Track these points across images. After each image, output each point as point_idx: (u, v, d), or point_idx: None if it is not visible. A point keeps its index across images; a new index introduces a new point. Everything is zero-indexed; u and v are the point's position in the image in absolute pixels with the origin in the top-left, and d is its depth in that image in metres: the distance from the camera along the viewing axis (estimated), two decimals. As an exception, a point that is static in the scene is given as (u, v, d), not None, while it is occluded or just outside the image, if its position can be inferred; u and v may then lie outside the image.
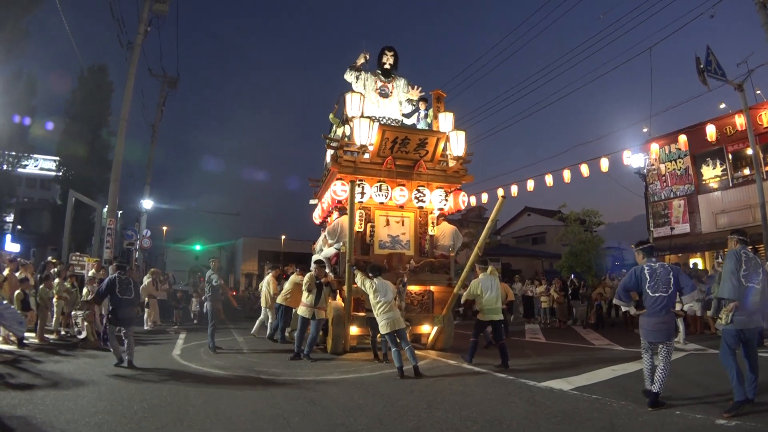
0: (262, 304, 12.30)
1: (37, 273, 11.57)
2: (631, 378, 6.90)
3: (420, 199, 10.69)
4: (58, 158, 30.38)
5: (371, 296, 7.79)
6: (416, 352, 9.57)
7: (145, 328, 13.50)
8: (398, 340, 7.53)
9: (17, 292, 9.75)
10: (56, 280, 11.24)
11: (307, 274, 9.60)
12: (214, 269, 10.19)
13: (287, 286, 11.15)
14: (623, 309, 5.17)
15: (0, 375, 6.71)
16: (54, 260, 15.27)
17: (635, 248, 5.79)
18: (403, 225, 11.10)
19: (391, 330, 7.48)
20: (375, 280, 7.86)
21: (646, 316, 5.38)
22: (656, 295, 5.27)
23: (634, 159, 18.86)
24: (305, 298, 9.14)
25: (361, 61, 11.95)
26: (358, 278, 8.21)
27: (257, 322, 12.29)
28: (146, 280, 14.48)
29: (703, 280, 11.82)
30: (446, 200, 10.93)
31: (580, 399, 5.76)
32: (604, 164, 17.25)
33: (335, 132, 11.87)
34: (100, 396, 5.70)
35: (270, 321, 11.88)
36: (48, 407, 5.12)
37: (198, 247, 49.69)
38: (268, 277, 12.43)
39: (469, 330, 12.02)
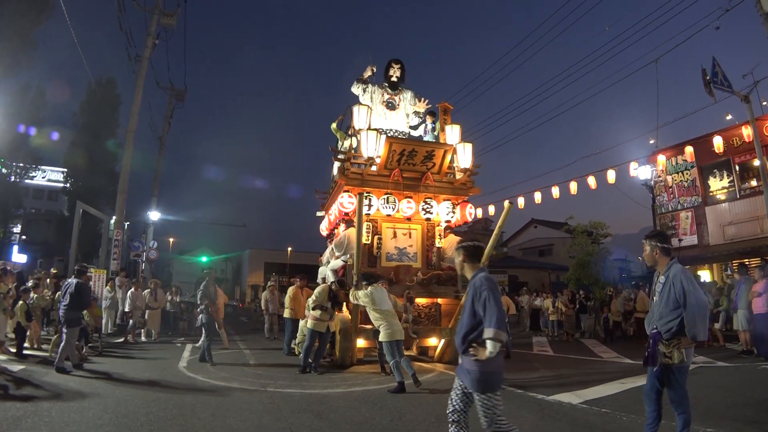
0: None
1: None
2: (640, 391, 6.81)
3: (427, 211, 10.68)
4: (65, 170, 30.61)
5: (369, 309, 7.71)
6: (423, 365, 9.58)
7: (151, 339, 13.48)
8: (395, 351, 7.45)
9: (20, 303, 9.74)
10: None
11: (320, 288, 9.32)
12: (209, 281, 10.12)
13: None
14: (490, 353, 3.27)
15: (3, 386, 6.70)
16: (56, 270, 15.35)
17: (457, 249, 3.87)
18: (410, 237, 11.09)
19: (390, 339, 7.40)
20: (369, 288, 7.77)
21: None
22: None
23: (641, 171, 18.79)
24: (318, 312, 8.86)
25: (368, 73, 11.99)
26: (351, 295, 8.12)
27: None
28: (146, 291, 14.47)
29: (712, 292, 11.74)
30: (453, 212, 10.93)
31: (590, 413, 5.69)
32: (611, 176, 17.15)
33: (342, 144, 11.90)
34: (105, 408, 5.66)
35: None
36: (53, 419, 5.10)
37: (204, 259, 49.77)
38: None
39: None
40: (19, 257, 29.49)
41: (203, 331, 9.86)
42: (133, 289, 13.60)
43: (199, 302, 10.12)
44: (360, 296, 7.84)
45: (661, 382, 4.14)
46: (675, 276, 4.00)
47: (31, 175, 29.15)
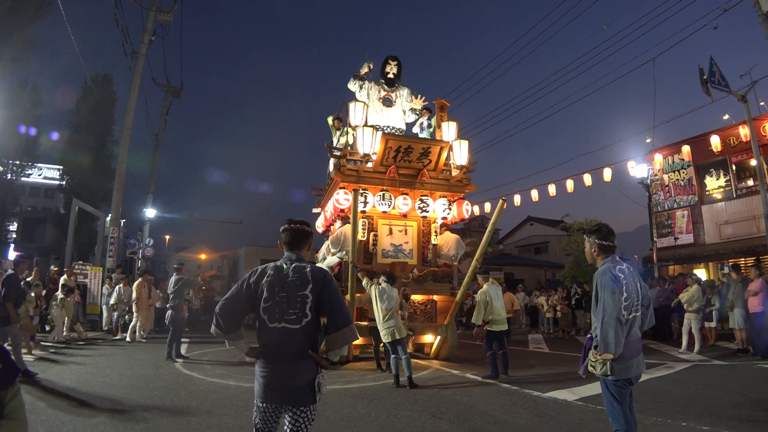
0: (134, 309, 12.65)
1: None
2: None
3: (423, 208, 10.67)
4: (61, 167, 30.46)
5: (375, 302, 7.70)
6: (419, 361, 9.57)
7: (143, 335, 13.47)
8: (398, 349, 7.47)
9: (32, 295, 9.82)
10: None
11: None
12: (181, 276, 10.07)
13: None
14: None
15: None
16: (56, 268, 15.30)
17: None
18: (406, 234, 11.07)
19: (393, 339, 7.42)
20: (383, 285, 7.77)
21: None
22: (276, 325, 2.86)
23: (637, 169, 18.82)
24: None
25: (364, 70, 11.96)
26: (365, 282, 8.14)
27: (130, 328, 12.63)
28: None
29: (705, 292, 11.77)
30: (449, 209, 10.92)
31: (585, 410, 5.70)
32: (607, 174, 17.21)
33: (338, 140, 11.87)
34: (101, 406, 5.66)
35: (134, 323, 12.49)
36: (50, 418, 5.10)
37: (203, 257, 49.79)
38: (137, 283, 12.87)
39: (470, 339, 11.95)
40: (15, 255, 29.37)
41: (170, 327, 9.84)
42: (121, 285, 13.57)
43: (170, 299, 10.05)
44: (372, 291, 7.79)
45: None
46: (595, 277, 3.61)
47: (27, 172, 29.02)
